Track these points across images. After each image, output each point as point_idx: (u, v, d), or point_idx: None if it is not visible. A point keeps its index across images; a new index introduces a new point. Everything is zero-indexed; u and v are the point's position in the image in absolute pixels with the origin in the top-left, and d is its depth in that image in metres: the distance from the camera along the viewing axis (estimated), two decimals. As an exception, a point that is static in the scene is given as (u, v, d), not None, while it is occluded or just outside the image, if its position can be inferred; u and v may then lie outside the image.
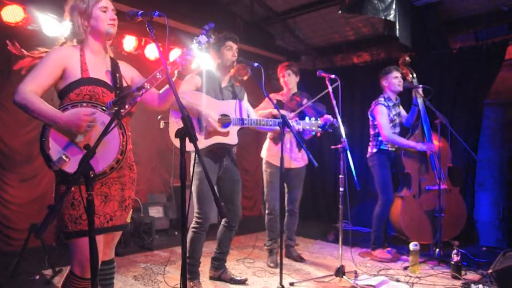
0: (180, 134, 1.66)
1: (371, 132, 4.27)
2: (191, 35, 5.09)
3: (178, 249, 4.22)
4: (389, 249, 4.12)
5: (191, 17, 4.91)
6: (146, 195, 5.51)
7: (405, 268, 3.69)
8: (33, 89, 1.80)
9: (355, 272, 3.52)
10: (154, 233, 4.95)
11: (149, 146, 5.40)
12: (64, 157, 1.75)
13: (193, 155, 3.13)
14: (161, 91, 2.15)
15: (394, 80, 4.12)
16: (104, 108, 1.84)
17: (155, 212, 5.45)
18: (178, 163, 1.62)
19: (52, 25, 3.85)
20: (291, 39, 6.05)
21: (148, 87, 1.81)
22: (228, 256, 3.43)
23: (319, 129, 3.19)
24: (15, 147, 4.25)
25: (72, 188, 1.81)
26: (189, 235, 3.06)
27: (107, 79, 1.97)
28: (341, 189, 3.26)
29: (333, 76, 3.36)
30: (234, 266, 3.84)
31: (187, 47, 2.01)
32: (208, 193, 2.98)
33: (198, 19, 4.93)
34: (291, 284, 3.26)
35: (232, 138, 3.03)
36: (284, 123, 2.75)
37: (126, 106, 1.71)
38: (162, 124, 4.14)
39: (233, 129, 3.04)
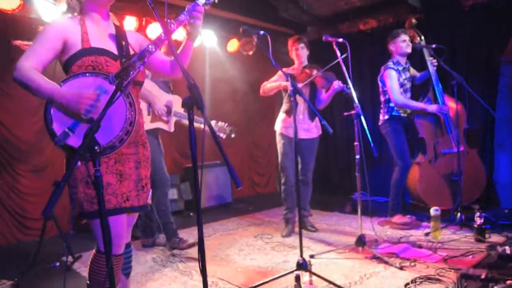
0: (186, 103, 1.58)
1: (382, 98, 4.15)
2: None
3: (194, 230, 4.20)
4: (408, 216, 4.04)
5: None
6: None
7: (427, 234, 3.61)
8: (32, 65, 1.71)
9: (376, 241, 3.46)
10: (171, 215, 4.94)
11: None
12: (68, 130, 1.67)
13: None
14: (172, 58, 2.05)
15: (402, 44, 3.99)
16: (107, 76, 1.75)
17: (169, 194, 5.43)
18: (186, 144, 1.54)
19: (50, 11, 3.76)
20: (295, 10, 5.87)
21: (153, 49, 1.70)
22: (245, 232, 3.41)
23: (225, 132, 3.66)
24: (24, 137, 4.22)
25: (84, 166, 1.72)
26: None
27: (112, 48, 1.86)
28: (357, 156, 3.17)
29: (340, 39, 3.23)
30: (252, 242, 3.80)
31: (192, 3, 1.87)
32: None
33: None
34: (312, 256, 3.21)
35: (170, 126, 3.59)
36: (296, 91, 2.64)
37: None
38: None
39: (172, 120, 3.56)
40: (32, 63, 1.72)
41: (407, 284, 2.56)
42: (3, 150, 4.13)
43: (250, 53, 5.84)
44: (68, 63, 1.79)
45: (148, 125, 3.41)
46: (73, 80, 1.73)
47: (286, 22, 6.14)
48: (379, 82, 4.13)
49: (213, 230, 4.35)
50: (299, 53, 3.87)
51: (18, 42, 1.90)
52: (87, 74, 1.73)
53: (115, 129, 1.73)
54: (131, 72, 1.70)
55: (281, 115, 3.99)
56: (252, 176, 6.69)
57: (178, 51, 1.94)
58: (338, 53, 3.20)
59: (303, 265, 2.64)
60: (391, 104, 4.02)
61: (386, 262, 2.96)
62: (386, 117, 4.09)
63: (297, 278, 2.05)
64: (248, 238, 3.91)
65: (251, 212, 5.26)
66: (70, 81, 1.72)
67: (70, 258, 3.45)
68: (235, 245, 3.73)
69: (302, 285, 2.41)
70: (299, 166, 3.99)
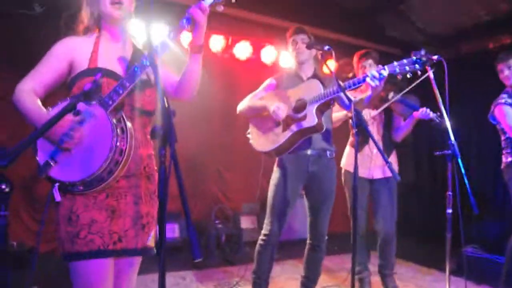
0: (157, 133, 1.20)
1: (502, 137, 3.22)
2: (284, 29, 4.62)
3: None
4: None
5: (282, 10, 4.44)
6: (242, 204, 5.20)
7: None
8: (32, 87, 1.56)
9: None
10: (243, 245, 4.61)
11: (242, 152, 5.00)
12: (50, 161, 1.48)
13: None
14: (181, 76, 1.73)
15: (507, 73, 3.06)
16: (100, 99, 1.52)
17: (249, 223, 5.11)
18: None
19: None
20: (406, 27, 5.14)
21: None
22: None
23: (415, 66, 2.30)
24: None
25: (68, 201, 1.53)
26: (256, 247, 2.76)
27: (120, 69, 1.63)
28: (448, 210, 2.42)
29: (435, 57, 2.50)
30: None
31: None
32: (281, 204, 2.65)
33: (295, 12, 4.40)
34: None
35: (309, 120, 2.50)
36: (359, 122, 2.05)
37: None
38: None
39: (309, 110, 2.53)
40: (31, 84, 1.57)
41: None
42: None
43: (350, 75, 5.29)
44: (70, 84, 1.62)
45: (281, 136, 2.58)
46: (61, 104, 1.52)
47: (394, 41, 5.40)
48: (491, 121, 3.25)
49: (281, 270, 3.84)
50: (367, 72, 3.12)
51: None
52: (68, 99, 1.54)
53: (99, 159, 1.45)
54: (120, 91, 1.45)
55: (348, 149, 3.33)
56: (345, 211, 5.96)
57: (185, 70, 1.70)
58: (431, 74, 2.49)
59: None
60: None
61: None
62: (510, 159, 3.15)
63: None
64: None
65: (335, 252, 4.57)
66: (58, 106, 1.53)
67: None
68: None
69: None
70: (377, 215, 3.28)
